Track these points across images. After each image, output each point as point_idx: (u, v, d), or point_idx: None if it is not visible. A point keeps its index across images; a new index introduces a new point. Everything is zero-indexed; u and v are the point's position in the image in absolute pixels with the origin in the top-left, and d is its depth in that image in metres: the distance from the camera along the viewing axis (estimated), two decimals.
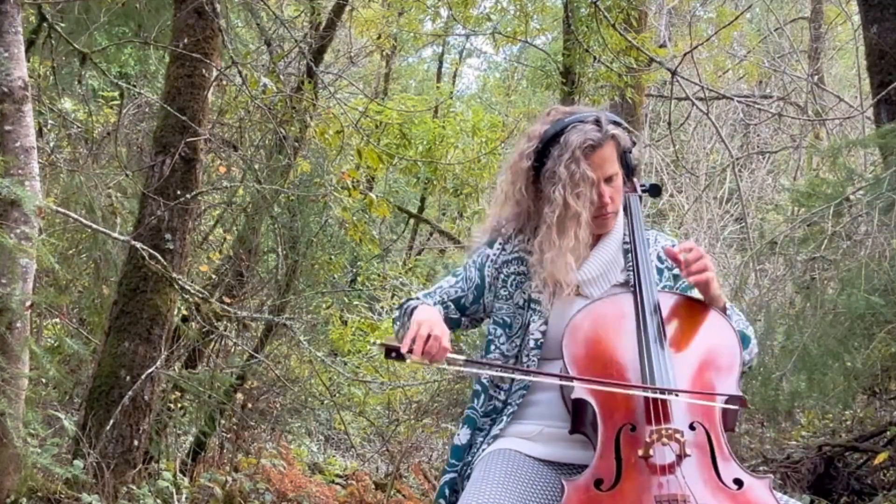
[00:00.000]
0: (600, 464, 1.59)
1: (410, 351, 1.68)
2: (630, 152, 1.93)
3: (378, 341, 1.92)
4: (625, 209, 1.96)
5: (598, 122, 1.86)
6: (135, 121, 6.04)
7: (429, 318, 1.75)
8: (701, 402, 1.63)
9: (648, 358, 1.68)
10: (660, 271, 1.93)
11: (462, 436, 1.88)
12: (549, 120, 1.91)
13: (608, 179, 1.86)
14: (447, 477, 1.86)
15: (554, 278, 1.83)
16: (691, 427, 1.62)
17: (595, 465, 1.59)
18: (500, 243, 1.96)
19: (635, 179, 2.00)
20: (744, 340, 1.82)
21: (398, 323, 1.94)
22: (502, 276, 1.93)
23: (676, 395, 1.64)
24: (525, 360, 1.86)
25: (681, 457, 1.55)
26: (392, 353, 1.72)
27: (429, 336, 1.70)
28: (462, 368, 1.77)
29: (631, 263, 1.88)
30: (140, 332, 4.20)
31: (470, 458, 1.85)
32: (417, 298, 1.95)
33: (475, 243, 2.03)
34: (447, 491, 1.84)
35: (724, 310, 1.83)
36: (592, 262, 1.89)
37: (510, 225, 1.96)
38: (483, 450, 1.82)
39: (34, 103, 3.97)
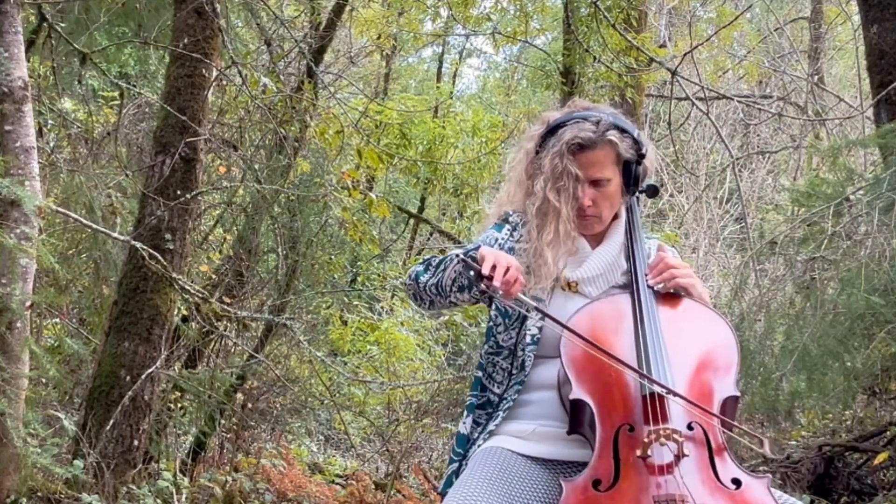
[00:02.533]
0: (598, 464, 1.59)
1: (491, 278, 1.64)
2: (635, 163, 1.88)
3: (458, 255, 1.81)
4: (627, 208, 1.96)
5: (598, 123, 1.84)
6: (135, 121, 6.04)
7: (502, 253, 1.71)
8: (694, 410, 1.62)
9: (646, 358, 1.67)
10: None
11: (467, 424, 1.88)
12: (565, 110, 1.92)
13: (594, 182, 1.85)
14: (453, 467, 1.85)
15: (535, 270, 1.82)
16: (689, 427, 1.61)
17: (593, 466, 1.59)
18: (508, 229, 1.96)
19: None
20: None
21: (430, 272, 1.87)
22: None
23: (672, 397, 1.64)
24: (521, 354, 1.86)
25: (679, 457, 1.55)
26: (470, 271, 1.68)
27: (508, 266, 1.66)
28: (527, 312, 1.72)
29: (630, 264, 1.88)
30: (140, 332, 4.20)
31: (469, 448, 1.85)
32: (445, 256, 1.88)
33: (489, 216, 2.04)
34: (454, 480, 1.82)
35: None
36: (593, 261, 1.88)
37: (517, 215, 1.96)
38: (479, 445, 1.82)
39: (34, 103, 3.97)
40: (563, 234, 1.83)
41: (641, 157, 1.90)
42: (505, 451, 1.76)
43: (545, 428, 1.79)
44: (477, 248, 1.76)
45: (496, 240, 1.94)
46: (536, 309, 1.70)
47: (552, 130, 1.88)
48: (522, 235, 1.92)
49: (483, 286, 1.66)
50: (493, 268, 1.65)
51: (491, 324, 1.92)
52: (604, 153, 1.84)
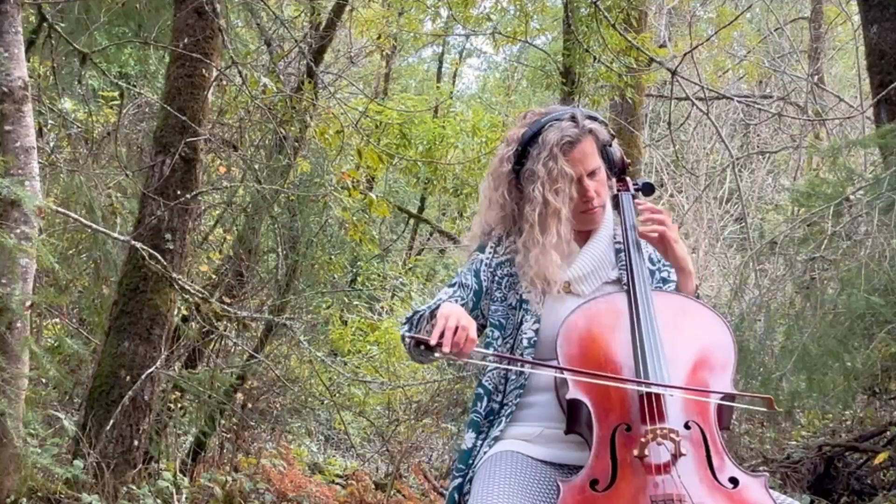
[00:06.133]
0: (596, 464, 1.59)
1: (439, 345, 1.62)
2: (610, 146, 1.94)
3: (406, 333, 1.83)
4: (616, 207, 1.97)
5: (573, 118, 1.88)
6: (135, 121, 6.04)
7: (454, 311, 1.69)
8: (696, 398, 1.63)
9: (643, 357, 1.67)
10: (651, 273, 1.94)
11: (468, 440, 1.87)
12: (525, 123, 1.93)
13: (591, 174, 1.88)
14: (455, 482, 1.85)
15: (541, 276, 1.84)
16: (686, 426, 1.61)
17: (590, 466, 1.59)
18: (491, 247, 1.97)
19: (628, 178, 2.01)
20: None
21: (411, 332, 1.85)
22: (497, 278, 1.94)
23: (671, 395, 1.64)
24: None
25: (676, 456, 1.55)
26: (420, 345, 1.65)
27: (457, 327, 1.65)
28: (490, 363, 1.71)
29: (623, 262, 1.88)
30: (140, 332, 4.21)
31: (472, 462, 1.85)
32: (423, 309, 1.89)
33: (466, 250, 2.04)
34: (456, 496, 1.83)
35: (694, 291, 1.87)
36: (583, 259, 1.90)
37: (499, 228, 1.98)
38: (484, 452, 1.82)
39: (34, 103, 3.97)
40: (564, 235, 1.85)
41: (613, 137, 1.96)
42: (515, 454, 1.77)
43: (551, 430, 1.79)
44: (436, 308, 1.74)
45: (482, 261, 1.96)
46: (498, 356, 1.69)
47: (529, 142, 1.89)
48: (511, 245, 1.94)
49: (438, 355, 1.63)
50: (442, 334, 1.63)
51: (489, 339, 1.93)
52: (589, 143, 1.88)
